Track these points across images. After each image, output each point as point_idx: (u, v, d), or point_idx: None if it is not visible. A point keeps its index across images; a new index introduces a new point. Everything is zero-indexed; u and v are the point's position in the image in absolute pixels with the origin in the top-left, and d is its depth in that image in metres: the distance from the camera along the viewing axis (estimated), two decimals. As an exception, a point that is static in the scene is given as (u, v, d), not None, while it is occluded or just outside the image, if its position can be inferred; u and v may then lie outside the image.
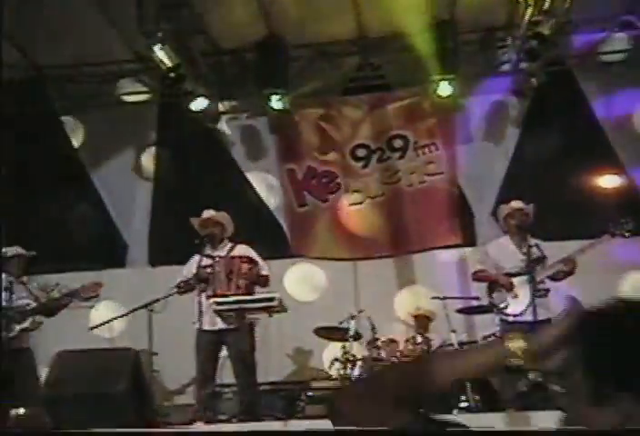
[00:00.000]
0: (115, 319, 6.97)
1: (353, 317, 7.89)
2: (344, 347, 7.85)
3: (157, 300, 6.57)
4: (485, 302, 7.22)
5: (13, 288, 7.12)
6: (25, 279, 7.38)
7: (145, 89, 9.72)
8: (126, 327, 7.66)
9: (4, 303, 7.04)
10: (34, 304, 7.12)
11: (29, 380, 6.66)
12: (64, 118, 9.91)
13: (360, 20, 8.92)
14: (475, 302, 7.73)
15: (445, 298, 7.68)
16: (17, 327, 7.05)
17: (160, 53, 7.91)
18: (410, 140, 9.52)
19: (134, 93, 9.73)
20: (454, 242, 9.30)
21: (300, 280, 9.36)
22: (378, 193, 9.57)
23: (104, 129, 9.77)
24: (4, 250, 7.40)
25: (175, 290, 6.81)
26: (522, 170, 9.06)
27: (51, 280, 7.65)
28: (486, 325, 7.80)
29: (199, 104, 8.84)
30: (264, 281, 7.03)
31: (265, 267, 7.08)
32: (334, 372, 7.86)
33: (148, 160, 9.93)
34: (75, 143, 9.92)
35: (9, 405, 2.29)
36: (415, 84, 9.27)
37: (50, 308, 7.04)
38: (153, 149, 9.88)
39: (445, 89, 8.64)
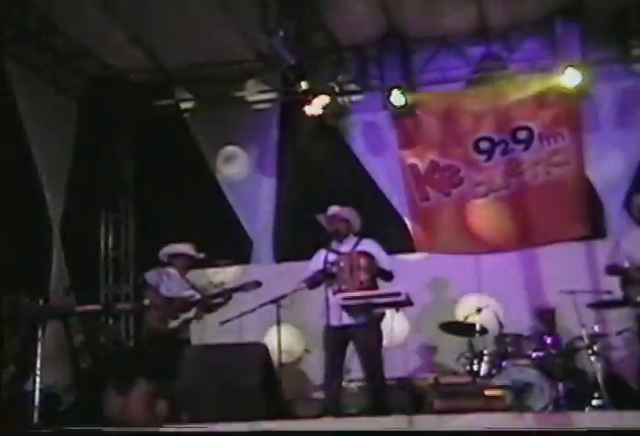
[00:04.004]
0: (243, 314, 7.09)
1: (479, 311, 7.81)
2: (470, 342, 7.78)
3: (285, 295, 6.66)
4: (617, 296, 7.01)
5: (174, 281, 7.52)
6: (188, 276, 7.73)
7: (268, 88, 9.85)
8: (255, 322, 7.79)
9: (166, 293, 7.42)
10: (198, 296, 7.45)
11: None
12: (188, 117, 10.18)
13: (482, 11, 8.79)
14: (606, 296, 7.49)
15: (573, 292, 7.46)
16: (182, 316, 7.39)
17: (281, 51, 8.01)
18: (535, 131, 9.29)
19: (258, 92, 9.88)
20: (582, 235, 9.02)
21: (423, 274, 9.29)
22: (502, 186, 9.40)
23: (228, 128, 9.96)
24: (171, 246, 7.75)
25: (303, 285, 6.88)
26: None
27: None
28: (620, 320, 7.58)
29: (312, 110, 8.94)
30: (387, 275, 7.01)
31: (386, 262, 7.05)
32: (460, 368, 7.79)
33: (271, 157, 10.06)
34: (200, 141, 10.15)
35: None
36: (540, 74, 9.06)
37: (212, 303, 7.44)
38: (275, 147, 10.01)
39: (572, 77, 8.39)
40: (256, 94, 9.92)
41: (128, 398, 2.64)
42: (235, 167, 10.06)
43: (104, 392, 2.64)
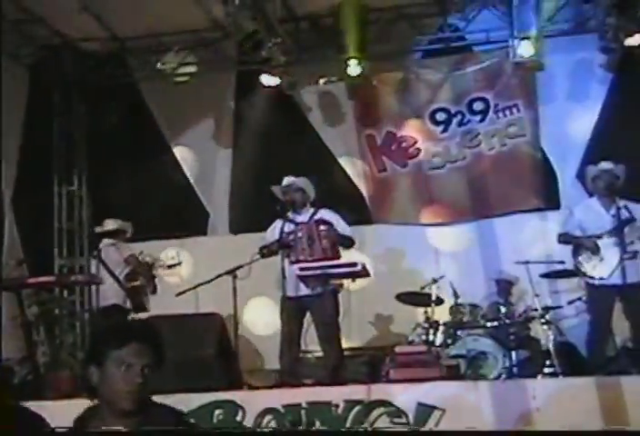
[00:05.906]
0: (199, 285, 7.06)
1: (434, 282, 7.87)
2: (426, 312, 7.85)
3: (241, 266, 6.62)
4: (569, 266, 7.11)
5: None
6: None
7: (223, 57, 9.71)
8: (211, 293, 7.76)
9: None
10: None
11: None
12: (143, 87, 10.03)
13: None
14: (559, 266, 7.59)
15: (527, 262, 7.55)
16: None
17: (237, 20, 7.91)
18: (491, 102, 9.34)
19: (212, 61, 9.74)
20: (536, 206, 9.14)
21: (379, 245, 9.33)
22: (459, 158, 9.45)
23: (182, 98, 9.82)
24: (106, 222, 7.79)
25: (258, 256, 6.84)
26: (609, 129, 8.79)
27: (135, 248, 7.88)
28: (572, 289, 7.70)
29: (268, 80, 8.88)
30: (348, 241, 7.00)
31: (346, 228, 7.03)
32: (416, 338, 7.86)
33: (227, 128, 9.97)
34: (155, 113, 10.01)
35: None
36: (496, 45, 9.08)
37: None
38: (231, 117, 9.92)
39: (527, 49, 8.40)
40: (212, 63, 9.76)
41: (105, 369, 2.63)
42: (189, 137, 9.89)
43: (85, 367, 2.64)
